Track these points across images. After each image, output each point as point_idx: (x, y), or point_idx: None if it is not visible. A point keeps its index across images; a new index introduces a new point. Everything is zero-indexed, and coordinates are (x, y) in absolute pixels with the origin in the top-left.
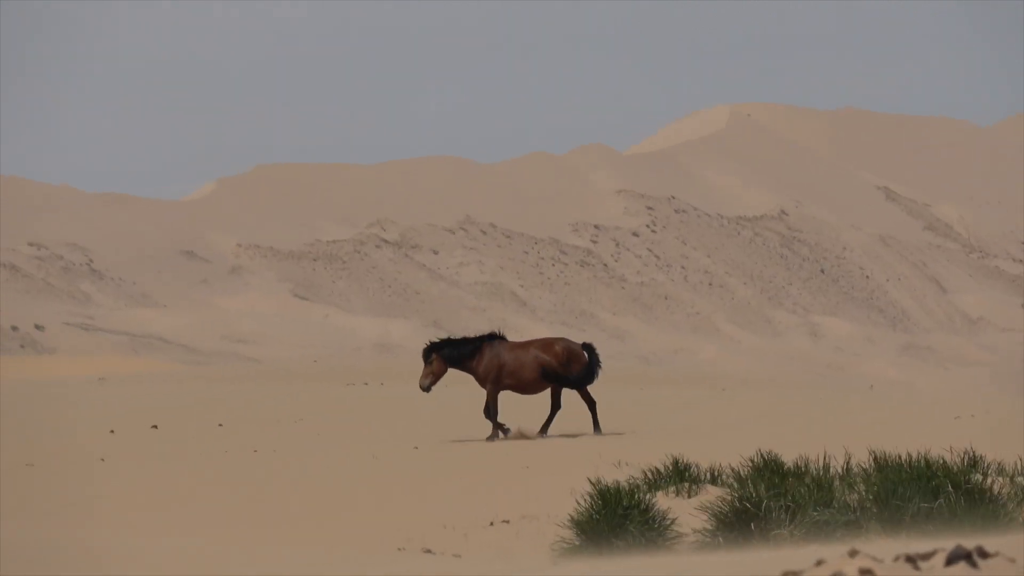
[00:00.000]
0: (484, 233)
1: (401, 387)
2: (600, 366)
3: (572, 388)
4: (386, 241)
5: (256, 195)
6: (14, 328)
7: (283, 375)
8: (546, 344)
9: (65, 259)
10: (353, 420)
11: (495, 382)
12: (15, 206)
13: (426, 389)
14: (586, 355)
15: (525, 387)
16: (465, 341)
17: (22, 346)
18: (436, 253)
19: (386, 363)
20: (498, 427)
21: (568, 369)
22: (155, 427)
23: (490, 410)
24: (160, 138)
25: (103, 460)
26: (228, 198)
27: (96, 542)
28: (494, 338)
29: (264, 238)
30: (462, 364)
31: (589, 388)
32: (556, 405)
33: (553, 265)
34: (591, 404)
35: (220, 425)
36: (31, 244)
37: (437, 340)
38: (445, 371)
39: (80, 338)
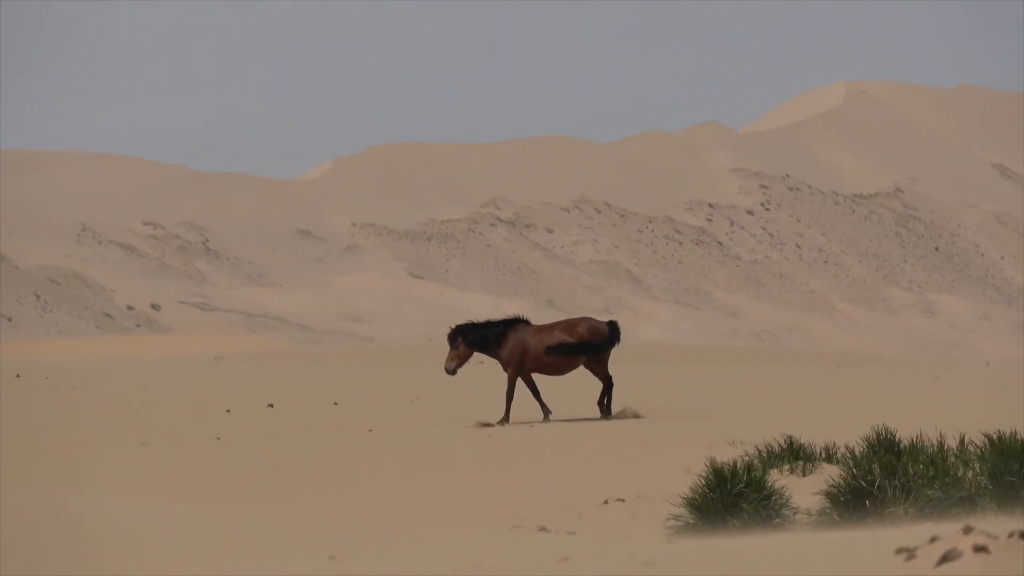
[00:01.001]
0: (599, 212)
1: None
2: (619, 340)
3: (596, 353)
4: (500, 220)
5: (370, 175)
6: (130, 307)
7: (398, 354)
8: (569, 325)
9: (181, 238)
10: (465, 399)
11: (517, 367)
12: (130, 186)
13: (452, 372)
14: (609, 331)
15: (551, 368)
16: (489, 325)
17: (138, 325)
18: (551, 232)
19: None
20: (506, 415)
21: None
22: (271, 406)
23: (510, 392)
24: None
25: (218, 439)
26: (343, 178)
27: (216, 520)
28: (518, 322)
29: (379, 217)
30: (486, 348)
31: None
32: (606, 381)
33: (667, 244)
34: (608, 384)
35: (336, 404)
36: (146, 224)
37: (463, 324)
38: (470, 355)
39: (196, 317)
